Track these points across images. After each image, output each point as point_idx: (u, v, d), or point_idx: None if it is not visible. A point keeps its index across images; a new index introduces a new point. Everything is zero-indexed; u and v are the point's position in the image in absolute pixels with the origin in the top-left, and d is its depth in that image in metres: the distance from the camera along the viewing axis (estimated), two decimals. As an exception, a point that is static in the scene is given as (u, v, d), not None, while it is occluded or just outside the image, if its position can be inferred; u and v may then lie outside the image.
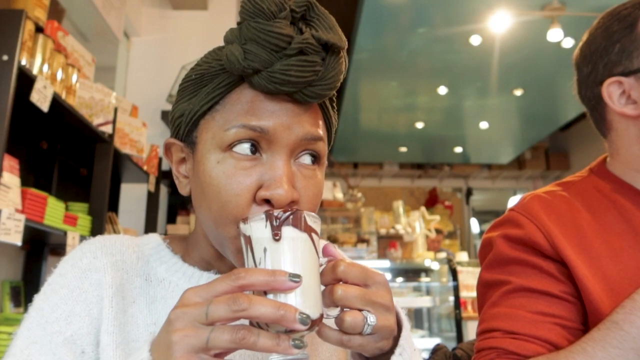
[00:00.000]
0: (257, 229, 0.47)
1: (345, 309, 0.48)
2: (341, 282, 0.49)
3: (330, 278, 0.49)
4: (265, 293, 0.45)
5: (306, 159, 0.55)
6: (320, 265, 0.50)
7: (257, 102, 0.53)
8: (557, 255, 0.73)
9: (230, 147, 0.53)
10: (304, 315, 0.43)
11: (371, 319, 0.47)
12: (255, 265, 0.47)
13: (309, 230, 0.48)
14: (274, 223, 0.47)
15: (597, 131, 0.90)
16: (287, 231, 0.47)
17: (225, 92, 0.55)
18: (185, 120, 0.57)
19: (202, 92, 0.56)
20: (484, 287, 0.80)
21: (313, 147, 0.55)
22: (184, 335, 0.41)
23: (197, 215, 0.59)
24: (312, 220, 0.49)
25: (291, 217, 0.47)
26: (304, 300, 0.45)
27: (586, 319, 0.72)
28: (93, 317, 0.56)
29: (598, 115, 0.84)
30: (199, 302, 0.43)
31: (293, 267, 0.46)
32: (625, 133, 0.81)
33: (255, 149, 0.53)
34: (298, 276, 0.44)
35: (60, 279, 0.58)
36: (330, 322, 0.48)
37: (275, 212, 0.47)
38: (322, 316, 0.47)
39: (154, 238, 0.66)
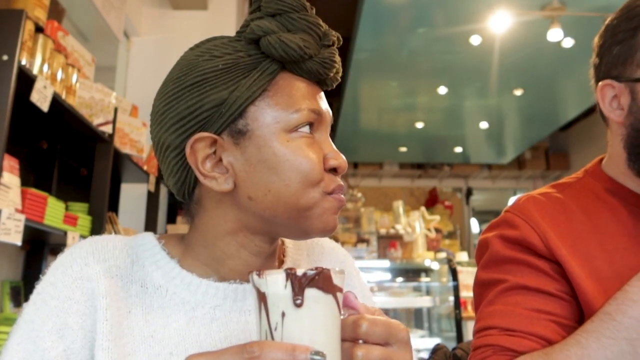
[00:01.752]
0: (275, 286, 0.41)
1: None
2: (360, 341, 0.45)
3: (351, 336, 0.45)
4: None
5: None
6: (341, 315, 0.45)
7: (305, 87, 0.59)
8: (551, 255, 0.73)
9: (295, 128, 0.57)
10: None
11: None
12: (270, 331, 0.41)
13: (334, 290, 0.42)
14: (297, 283, 0.41)
15: (596, 131, 0.90)
16: (311, 294, 0.41)
17: (272, 77, 0.58)
18: (228, 110, 0.55)
19: (246, 80, 0.57)
20: (481, 287, 0.80)
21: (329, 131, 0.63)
22: None
23: (259, 202, 0.56)
24: (339, 276, 0.43)
25: (317, 277, 0.41)
26: None
27: (581, 317, 0.72)
28: (87, 330, 0.54)
29: (599, 108, 0.84)
30: None
31: (314, 336, 0.41)
32: (616, 132, 0.81)
33: (311, 129, 0.59)
34: (321, 354, 0.40)
35: (51, 289, 0.55)
36: None
37: (299, 272, 0.41)
38: None
39: (149, 238, 0.62)
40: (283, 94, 0.57)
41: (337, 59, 0.60)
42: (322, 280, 0.41)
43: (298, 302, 0.40)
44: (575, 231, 0.75)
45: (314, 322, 0.41)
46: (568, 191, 0.82)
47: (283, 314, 0.41)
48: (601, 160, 0.86)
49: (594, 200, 0.79)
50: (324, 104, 0.60)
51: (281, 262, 0.67)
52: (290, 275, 0.41)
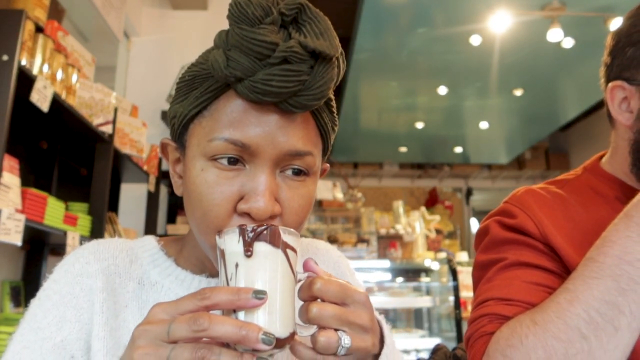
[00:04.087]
0: (230, 243, 0.46)
1: (320, 328, 0.46)
2: (318, 300, 0.47)
3: (307, 295, 0.47)
4: (235, 312, 0.44)
5: (293, 172, 0.54)
6: (299, 280, 0.48)
7: (241, 112, 0.51)
8: (546, 241, 0.75)
9: (213, 157, 0.52)
10: (269, 335, 0.41)
11: (346, 340, 0.46)
12: (227, 281, 0.46)
13: (284, 246, 0.46)
14: (247, 238, 0.45)
15: (596, 131, 0.90)
16: (260, 247, 0.45)
17: (213, 97, 0.53)
18: (177, 123, 0.57)
19: (192, 95, 0.55)
20: (480, 269, 0.81)
21: (299, 162, 0.53)
22: (144, 354, 0.41)
23: (187, 217, 0.59)
24: (289, 235, 0.47)
25: (265, 232, 0.46)
26: (271, 318, 0.44)
27: None
28: (84, 323, 0.57)
29: (607, 107, 0.83)
30: (163, 319, 0.43)
31: (263, 284, 0.45)
32: (623, 135, 0.81)
33: (238, 160, 0.52)
34: (263, 292, 0.43)
35: (54, 285, 0.59)
36: (306, 340, 0.47)
37: (249, 227, 0.46)
38: (293, 334, 0.46)
39: (149, 240, 0.65)
40: (215, 115, 0.53)
41: (287, 80, 0.49)
42: (270, 235, 0.46)
43: (248, 254, 0.45)
44: (573, 222, 0.77)
45: (264, 272, 0.45)
46: (567, 187, 0.83)
47: (237, 265, 0.45)
48: (600, 157, 0.86)
49: (592, 195, 0.80)
50: (267, 135, 0.51)
51: None
52: (242, 229, 0.46)
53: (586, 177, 0.84)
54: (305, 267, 0.50)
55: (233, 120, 0.51)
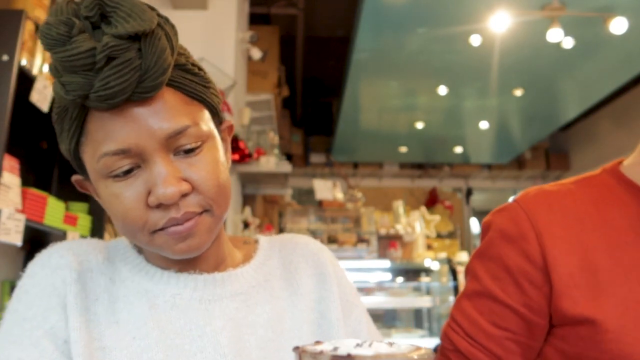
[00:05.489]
0: None
1: None
2: None
3: None
4: None
5: (185, 148, 0.55)
6: None
7: (109, 122, 0.52)
8: (542, 258, 0.74)
9: (109, 174, 0.54)
10: None
11: None
12: None
13: None
14: None
15: (596, 131, 0.89)
16: None
17: (81, 123, 0.54)
18: (70, 159, 0.59)
19: (64, 131, 0.56)
20: (469, 269, 0.84)
21: (184, 139, 0.54)
22: None
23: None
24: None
25: None
26: None
27: (548, 330, 0.75)
28: (66, 312, 0.57)
29: None
30: None
31: None
32: None
33: (132, 169, 0.54)
34: None
35: (31, 280, 0.59)
36: None
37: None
38: None
39: (122, 240, 0.66)
40: (89, 138, 0.54)
41: (122, 75, 0.49)
42: None
43: None
44: (582, 222, 0.76)
45: None
46: (584, 185, 0.83)
47: None
48: (620, 162, 0.86)
49: (606, 193, 0.80)
50: (138, 131, 0.52)
51: (249, 258, 0.69)
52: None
53: (603, 177, 0.83)
54: None
55: (105, 133, 0.52)
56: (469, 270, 0.84)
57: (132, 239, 0.58)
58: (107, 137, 0.52)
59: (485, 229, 0.84)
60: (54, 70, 0.51)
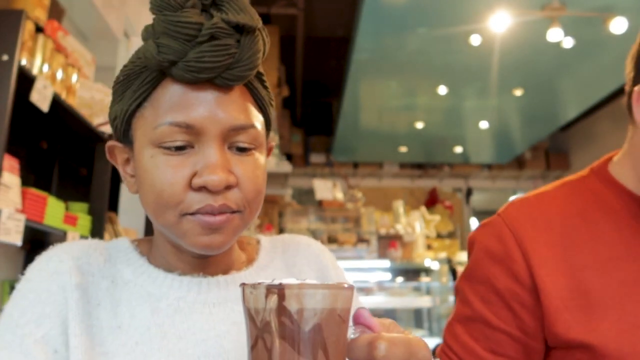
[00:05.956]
0: (262, 301, 0.39)
1: None
2: None
3: (366, 358, 0.39)
4: None
5: (238, 149, 0.56)
6: (351, 335, 0.40)
7: (181, 96, 0.54)
8: (530, 277, 0.71)
9: (161, 143, 0.54)
10: None
11: None
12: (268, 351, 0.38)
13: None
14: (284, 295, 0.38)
15: (596, 131, 0.87)
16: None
17: (151, 88, 0.55)
18: (119, 122, 0.58)
19: (129, 91, 0.57)
20: (458, 289, 0.81)
21: (244, 136, 0.56)
22: None
23: (144, 208, 0.59)
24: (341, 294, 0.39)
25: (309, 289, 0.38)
26: None
27: (546, 352, 0.73)
28: (63, 318, 0.56)
29: (629, 106, 0.78)
30: None
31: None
32: None
33: (185, 146, 0.54)
34: None
35: (28, 284, 0.58)
36: None
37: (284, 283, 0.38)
38: None
39: (123, 241, 0.65)
40: (155, 104, 0.55)
41: (217, 55, 0.51)
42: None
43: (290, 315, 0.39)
44: (569, 238, 0.73)
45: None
46: (569, 191, 0.79)
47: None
48: (610, 158, 0.81)
49: (594, 202, 0.76)
50: (208, 113, 0.53)
51: (252, 260, 0.69)
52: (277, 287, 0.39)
53: (591, 181, 0.79)
54: (357, 319, 0.42)
55: (173, 104, 0.53)
56: (458, 292, 0.81)
57: (158, 216, 0.56)
58: (175, 108, 0.53)
59: (470, 245, 0.81)
60: (150, 31, 0.54)
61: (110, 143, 0.62)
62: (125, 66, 0.58)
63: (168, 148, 0.54)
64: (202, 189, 0.53)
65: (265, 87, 0.62)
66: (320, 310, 0.36)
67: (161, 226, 0.57)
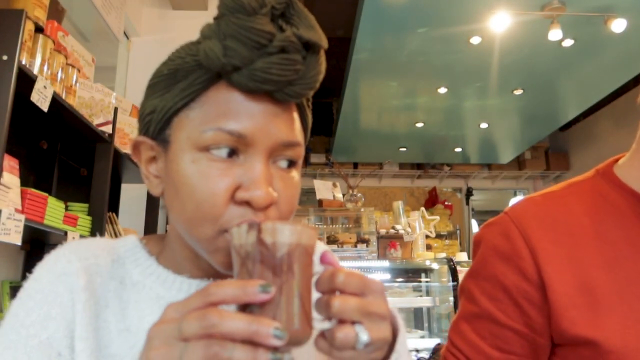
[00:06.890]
0: (242, 237, 0.45)
1: (338, 323, 0.45)
2: (337, 293, 0.46)
3: (327, 287, 0.46)
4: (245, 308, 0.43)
5: (283, 163, 0.55)
6: (316, 273, 0.47)
7: (234, 103, 0.51)
8: (537, 274, 0.72)
9: (206, 148, 0.52)
10: (281, 330, 0.40)
11: (363, 337, 0.44)
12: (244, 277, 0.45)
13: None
14: (260, 232, 0.44)
15: (596, 131, 0.87)
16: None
17: (201, 89, 0.53)
18: (157, 117, 0.56)
19: (176, 88, 0.54)
20: (463, 288, 0.81)
21: (290, 153, 0.55)
22: (159, 354, 0.40)
23: (170, 216, 0.57)
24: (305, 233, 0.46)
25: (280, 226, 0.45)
26: (288, 313, 0.42)
27: (551, 350, 0.73)
28: (69, 321, 0.55)
29: None
30: (175, 318, 0.42)
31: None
32: None
33: (233, 151, 0.52)
34: (269, 285, 0.41)
35: (35, 284, 0.57)
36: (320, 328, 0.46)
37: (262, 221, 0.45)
38: (311, 329, 0.44)
39: (131, 239, 0.64)
40: (205, 107, 0.52)
41: (284, 69, 0.50)
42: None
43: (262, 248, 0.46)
44: (575, 237, 0.73)
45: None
46: (575, 191, 0.79)
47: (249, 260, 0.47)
48: (616, 160, 0.81)
49: (600, 202, 0.76)
50: (262, 125, 0.52)
51: None
52: (256, 224, 0.46)
53: (597, 182, 0.79)
54: (323, 260, 0.50)
55: (227, 110, 0.51)
56: (463, 291, 0.81)
57: (192, 228, 0.53)
58: (229, 115, 0.51)
59: (476, 244, 0.81)
60: (214, 30, 0.51)
61: (139, 138, 0.59)
62: (171, 60, 0.57)
63: (214, 154, 0.51)
64: (245, 203, 0.51)
65: (310, 111, 0.61)
66: (289, 243, 0.44)
67: (193, 239, 0.54)
